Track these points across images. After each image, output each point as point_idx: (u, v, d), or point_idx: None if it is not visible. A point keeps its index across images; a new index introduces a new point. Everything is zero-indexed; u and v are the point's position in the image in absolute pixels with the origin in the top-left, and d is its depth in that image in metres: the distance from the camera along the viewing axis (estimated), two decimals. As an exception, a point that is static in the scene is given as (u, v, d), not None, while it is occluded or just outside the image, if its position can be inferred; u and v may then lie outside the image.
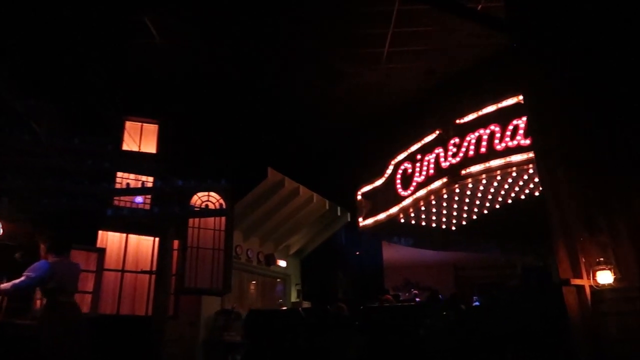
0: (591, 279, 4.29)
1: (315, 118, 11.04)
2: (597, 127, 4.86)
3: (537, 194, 9.82)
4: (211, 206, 8.35)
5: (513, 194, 10.03)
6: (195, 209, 8.02)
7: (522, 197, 10.09)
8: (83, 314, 5.59)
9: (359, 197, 11.86)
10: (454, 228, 11.67)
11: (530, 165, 8.43)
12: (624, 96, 4.68)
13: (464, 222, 11.44)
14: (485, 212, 10.93)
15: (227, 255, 8.44)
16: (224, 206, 8.44)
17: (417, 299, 13.69)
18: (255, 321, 6.80)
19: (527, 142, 8.38)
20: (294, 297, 13.70)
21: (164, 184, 7.25)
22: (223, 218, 8.61)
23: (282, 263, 13.31)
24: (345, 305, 7.42)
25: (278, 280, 13.76)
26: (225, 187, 8.13)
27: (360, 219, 11.77)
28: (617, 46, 4.85)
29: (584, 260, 4.42)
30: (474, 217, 11.19)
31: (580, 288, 4.35)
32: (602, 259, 4.26)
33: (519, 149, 8.48)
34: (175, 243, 8.01)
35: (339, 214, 13.36)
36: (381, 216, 11.20)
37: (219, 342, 10.08)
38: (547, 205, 4.83)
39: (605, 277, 4.19)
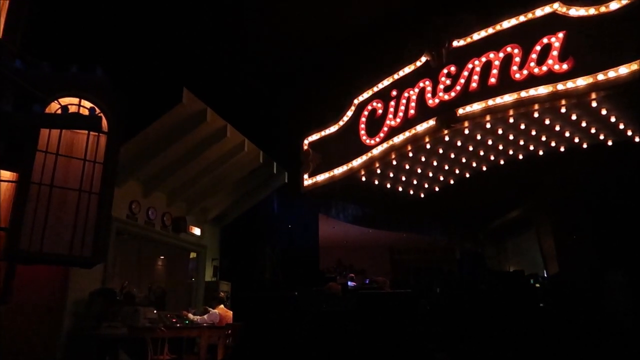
0: None
1: (255, 29, 7.92)
2: None
3: (541, 152, 7.53)
4: (82, 121, 5.05)
5: (511, 151, 7.62)
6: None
7: (520, 156, 7.72)
8: None
9: (306, 147, 8.96)
10: (422, 195, 9.13)
11: (563, 102, 5.98)
12: None
13: (437, 188, 8.94)
14: (468, 175, 8.49)
15: (104, 204, 5.24)
16: (103, 122, 5.21)
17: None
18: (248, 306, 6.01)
19: (565, 67, 5.91)
20: (209, 275, 10.62)
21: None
22: (102, 143, 5.36)
23: (196, 231, 10.16)
24: (338, 285, 6.51)
25: (192, 255, 10.57)
26: (106, 87, 4.94)
27: (306, 177, 8.88)
28: None
29: None
30: (452, 181, 8.72)
31: None
32: None
33: (549, 78, 5.99)
34: (6, 175, 4.72)
35: (274, 171, 10.37)
36: (335, 172, 8.39)
37: (93, 336, 6.82)
38: None
39: None
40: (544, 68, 6.03)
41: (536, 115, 6.26)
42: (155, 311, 7.92)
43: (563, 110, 6.03)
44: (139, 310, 7.57)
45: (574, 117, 6.23)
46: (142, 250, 10.59)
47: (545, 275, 9.68)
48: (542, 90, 5.90)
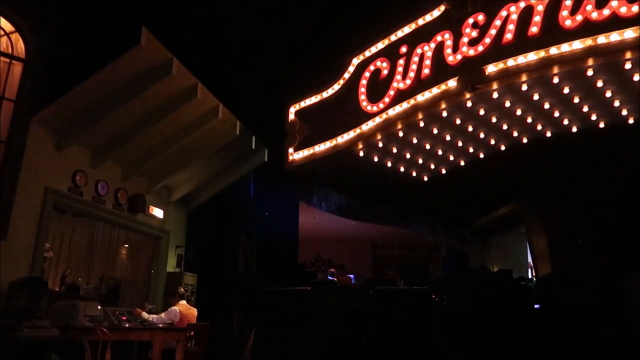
0: None
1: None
2: None
3: (574, 129, 6.30)
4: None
5: (540, 126, 6.37)
6: None
7: (548, 134, 6.50)
8: None
9: (292, 116, 7.53)
10: (426, 178, 7.84)
11: (628, 55, 4.71)
12: None
13: (444, 170, 7.66)
14: (482, 155, 7.23)
15: (12, 156, 3.70)
16: (20, 45, 3.70)
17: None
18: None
19: (635, 9, 4.63)
20: (171, 266, 9.08)
21: None
22: (16, 73, 3.84)
23: (158, 212, 8.61)
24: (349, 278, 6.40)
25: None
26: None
27: (290, 151, 7.47)
28: None
29: None
30: (462, 162, 7.44)
31: None
32: None
33: (612, 24, 4.71)
34: None
35: (252, 147, 8.91)
36: (327, 145, 7.01)
37: (11, 339, 5.26)
38: None
39: None
40: (605, 12, 4.75)
41: (590, 73, 4.97)
42: (99, 307, 6.39)
43: (628, 65, 4.77)
44: (78, 306, 6.04)
45: (636, 77, 4.97)
46: (96, 234, 9.03)
47: (535, 275, 8.87)
48: (565, 48, 4.65)
